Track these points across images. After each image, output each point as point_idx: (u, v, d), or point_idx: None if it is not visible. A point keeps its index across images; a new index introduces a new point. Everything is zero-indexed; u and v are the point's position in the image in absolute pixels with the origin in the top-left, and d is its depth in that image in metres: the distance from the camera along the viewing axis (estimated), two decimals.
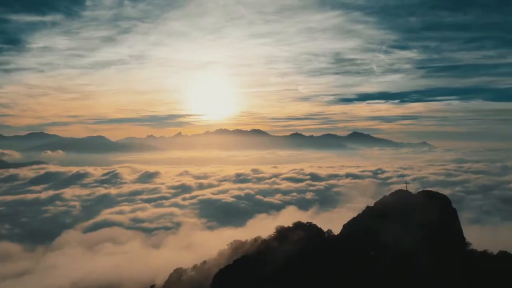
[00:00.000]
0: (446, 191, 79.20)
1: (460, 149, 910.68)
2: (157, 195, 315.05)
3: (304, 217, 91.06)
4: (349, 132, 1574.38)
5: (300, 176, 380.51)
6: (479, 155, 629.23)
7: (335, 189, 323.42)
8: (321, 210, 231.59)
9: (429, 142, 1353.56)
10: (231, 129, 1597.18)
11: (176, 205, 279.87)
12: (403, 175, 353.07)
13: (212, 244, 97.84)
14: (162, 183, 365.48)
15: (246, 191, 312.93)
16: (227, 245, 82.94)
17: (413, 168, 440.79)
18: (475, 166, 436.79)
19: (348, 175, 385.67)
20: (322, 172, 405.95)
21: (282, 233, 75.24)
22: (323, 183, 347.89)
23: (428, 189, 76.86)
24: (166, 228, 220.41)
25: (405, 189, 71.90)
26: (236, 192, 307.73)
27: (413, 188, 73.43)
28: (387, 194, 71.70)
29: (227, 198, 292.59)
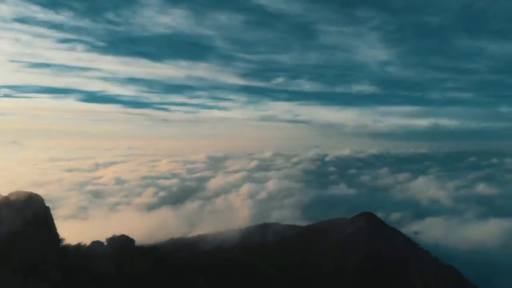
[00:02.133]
0: (41, 190, 77.83)
1: (54, 147, 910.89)
2: None
3: None
4: None
5: None
6: (73, 153, 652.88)
7: None
8: None
9: (21, 140, 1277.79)
10: None
11: None
12: None
13: None
14: None
15: None
16: None
17: (5, 170, 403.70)
18: (70, 164, 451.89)
19: None
20: None
21: None
22: None
23: (23, 190, 72.82)
24: None
25: None
26: None
27: (5, 190, 67.28)
28: None
29: None
